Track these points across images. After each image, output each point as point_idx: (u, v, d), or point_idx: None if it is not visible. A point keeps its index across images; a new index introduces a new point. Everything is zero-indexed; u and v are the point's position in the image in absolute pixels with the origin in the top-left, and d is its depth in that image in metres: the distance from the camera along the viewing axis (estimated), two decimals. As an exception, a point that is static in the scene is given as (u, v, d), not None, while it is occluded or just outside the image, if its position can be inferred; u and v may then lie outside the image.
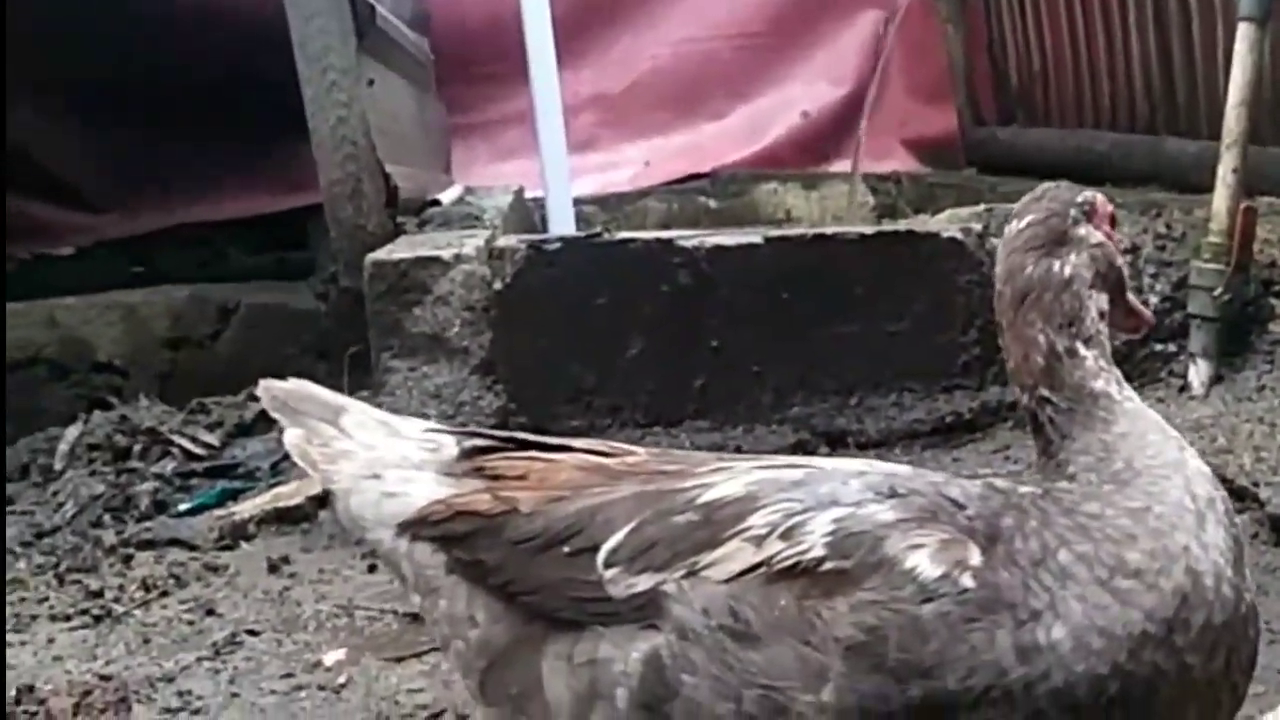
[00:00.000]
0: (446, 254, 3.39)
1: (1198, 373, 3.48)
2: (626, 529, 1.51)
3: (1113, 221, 1.61)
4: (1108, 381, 1.51)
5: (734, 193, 5.72)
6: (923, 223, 4.00)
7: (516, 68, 4.62)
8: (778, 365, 3.49)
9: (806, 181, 5.79)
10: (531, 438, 1.77)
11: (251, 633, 2.79)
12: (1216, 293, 3.45)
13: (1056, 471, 1.47)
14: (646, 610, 1.47)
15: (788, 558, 1.42)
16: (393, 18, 4.41)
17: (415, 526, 1.68)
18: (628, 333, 3.44)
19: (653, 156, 5.99)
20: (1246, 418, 3.24)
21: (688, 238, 3.48)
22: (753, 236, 3.51)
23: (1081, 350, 1.51)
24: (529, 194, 4.89)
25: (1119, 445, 1.46)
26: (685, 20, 6.07)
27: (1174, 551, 1.38)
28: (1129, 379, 3.58)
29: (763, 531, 1.45)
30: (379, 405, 3.32)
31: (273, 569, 3.10)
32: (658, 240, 3.46)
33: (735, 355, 3.47)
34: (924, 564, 1.38)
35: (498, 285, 3.39)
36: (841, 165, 5.80)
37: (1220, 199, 3.49)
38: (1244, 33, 3.49)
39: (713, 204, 5.67)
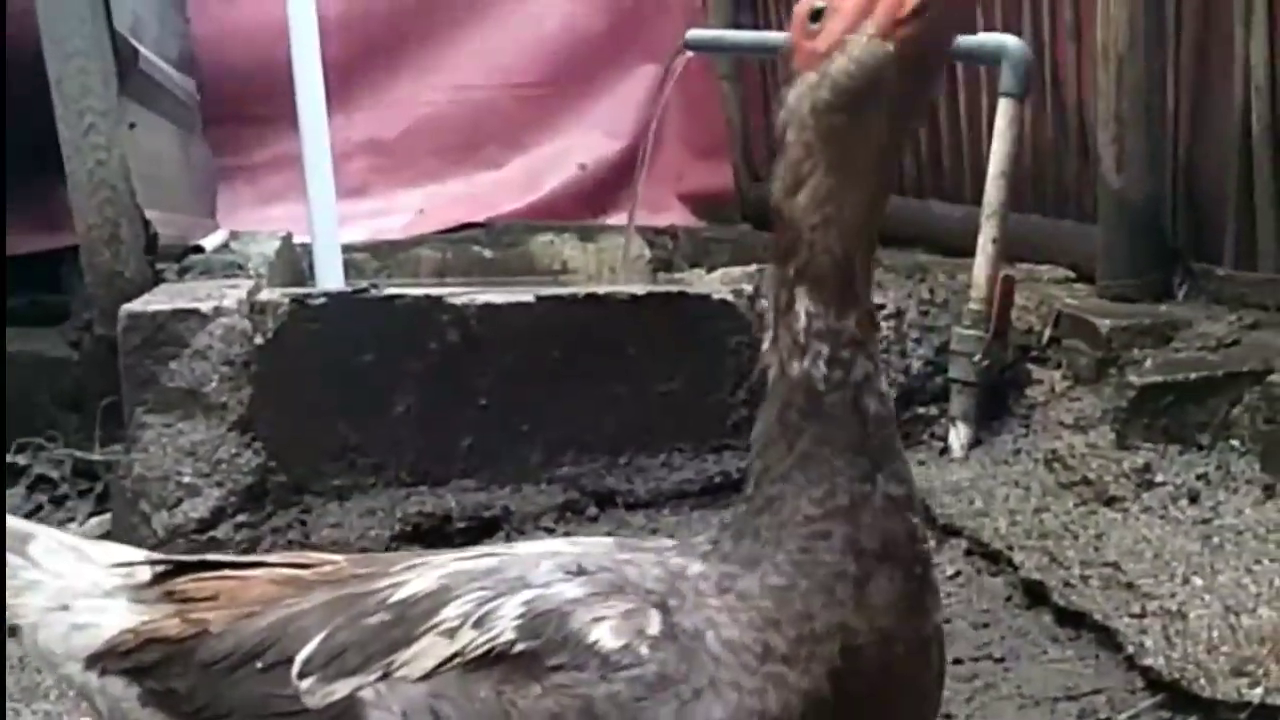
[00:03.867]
0: (205, 306, 3.28)
1: (957, 436, 3.56)
2: (319, 637, 1.43)
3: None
4: (815, 360, 1.29)
5: (509, 243, 5.68)
6: (695, 280, 4.02)
7: (286, 110, 4.52)
8: (547, 424, 3.46)
9: (583, 233, 5.78)
10: (225, 558, 1.69)
11: (-13, 702, 2.65)
12: (975, 358, 3.54)
13: (746, 511, 1.35)
14: (345, 718, 1.39)
15: (480, 645, 1.36)
16: (157, 58, 4.28)
17: (104, 659, 1.57)
18: (394, 390, 3.37)
19: (427, 204, 5.92)
20: (1003, 480, 3.32)
21: (457, 295, 3.42)
22: (524, 295, 3.47)
23: (800, 298, 1.31)
24: (297, 239, 4.79)
25: (794, 476, 1.30)
26: (462, 68, 6.02)
27: (822, 632, 1.28)
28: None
29: (456, 623, 1.38)
30: (131, 462, 3.24)
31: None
32: (427, 297, 3.40)
33: (504, 414, 3.43)
34: (606, 636, 1.32)
35: (259, 340, 3.29)
36: (619, 218, 5.81)
37: (980, 268, 3.59)
38: (1004, 108, 3.61)
39: (488, 254, 5.61)
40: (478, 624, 1.37)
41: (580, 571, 1.41)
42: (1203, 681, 2.31)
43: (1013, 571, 2.91)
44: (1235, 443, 3.10)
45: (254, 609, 1.50)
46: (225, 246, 4.34)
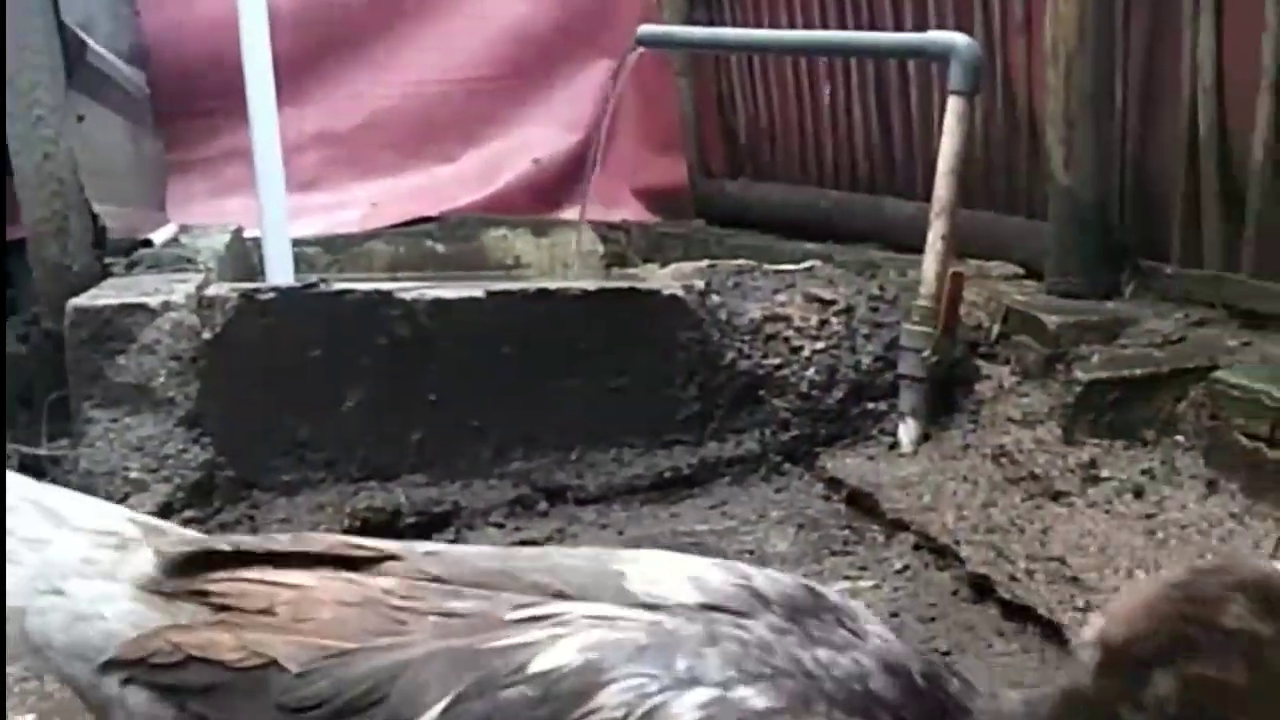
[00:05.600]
0: (153, 301, 3.26)
1: (906, 431, 3.58)
2: (443, 703, 1.22)
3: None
4: None
5: (463, 237, 5.66)
6: (647, 276, 4.03)
7: (238, 103, 4.49)
8: (498, 420, 3.46)
9: (536, 228, 5.77)
10: (254, 547, 1.42)
11: (-70, 700, 2.62)
12: (924, 354, 3.56)
13: None
14: None
15: None
16: (106, 52, 4.25)
17: (131, 668, 1.32)
18: (344, 385, 3.36)
19: (380, 198, 5.89)
20: (951, 475, 3.34)
21: (407, 290, 3.41)
22: (474, 290, 3.47)
23: None
24: (248, 233, 4.76)
25: None
26: (416, 62, 6.00)
27: None
28: (841, 436, 3.71)
29: (617, 714, 1.20)
30: (78, 457, 3.21)
31: None
32: (376, 292, 3.38)
33: (455, 409, 3.42)
34: None
35: (207, 335, 3.27)
36: (573, 212, 5.80)
37: (929, 264, 3.61)
38: (953, 106, 3.62)
39: (441, 248, 5.59)
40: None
41: (759, 674, 1.24)
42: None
43: (960, 566, 2.93)
44: (1180, 438, 3.12)
45: (339, 644, 1.28)
46: (174, 240, 4.32)
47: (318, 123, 5.82)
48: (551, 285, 3.57)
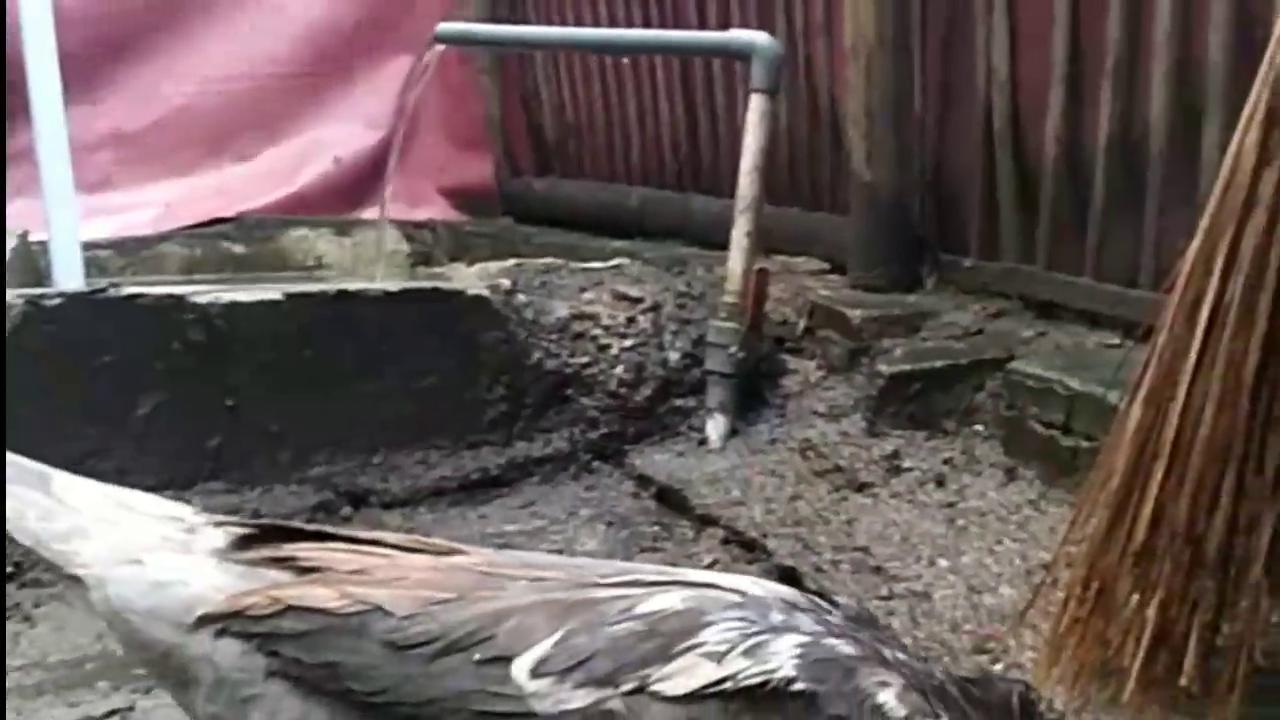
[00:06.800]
0: (-70, 308, 3.11)
1: (715, 427, 3.59)
2: (553, 638, 1.33)
3: None
4: None
5: (261, 238, 5.50)
6: (452, 276, 3.97)
7: (20, 103, 4.30)
8: (299, 424, 3.38)
9: (339, 228, 5.64)
10: (320, 528, 1.55)
11: None
12: (732, 350, 3.57)
13: None
14: None
15: (755, 675, 1.30)
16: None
17: (224, 621, 1.41)
18: (137, 392, 3.24)
19: (175, 198, 5.69)
20: (759, 470, 3.36)
21: (202, 293, 3.31)
22: (272, 293, 3.38)
23: None
24: (35, 237, 4.57)
25: None
26: (211, 58, 5.81)
27: None
28: (650, 433, 3.70)
29: (722, 648, 1.32)
30: None
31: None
32: (169, 296, 3.27)
33: (253, 414, 3.33)
34: (893, 702, 1.31)
35: (-10, 342, 3.14)
36: (375, 212, 5.69)
37: (735, 261, 3.62)
38: (756, 104, 3.64)
39: (239, 249, 5.43)
40: (748, 654, 1.32)
41: (844, 634, 1.38)
42: (946, 659, 2.36)
43: (768, 558, 2.94)
44: (979, 428, 3.20)
45: (444, 594, 1.38)
46: (-46, 246, 4.12)
47: (109, 121, 5.60)
48: (352, 287, 3.49)
